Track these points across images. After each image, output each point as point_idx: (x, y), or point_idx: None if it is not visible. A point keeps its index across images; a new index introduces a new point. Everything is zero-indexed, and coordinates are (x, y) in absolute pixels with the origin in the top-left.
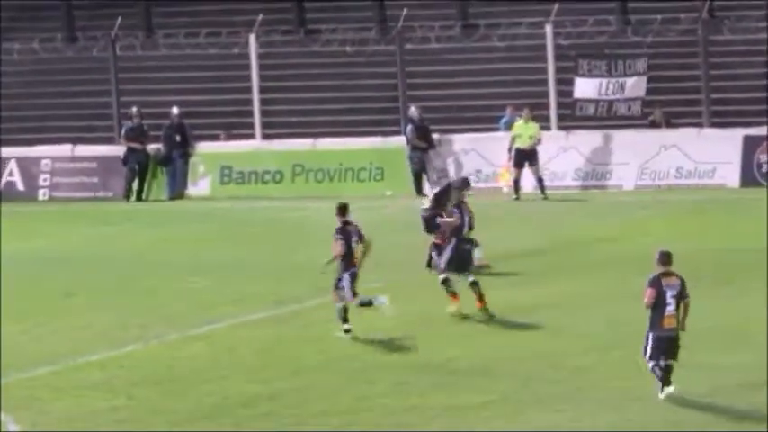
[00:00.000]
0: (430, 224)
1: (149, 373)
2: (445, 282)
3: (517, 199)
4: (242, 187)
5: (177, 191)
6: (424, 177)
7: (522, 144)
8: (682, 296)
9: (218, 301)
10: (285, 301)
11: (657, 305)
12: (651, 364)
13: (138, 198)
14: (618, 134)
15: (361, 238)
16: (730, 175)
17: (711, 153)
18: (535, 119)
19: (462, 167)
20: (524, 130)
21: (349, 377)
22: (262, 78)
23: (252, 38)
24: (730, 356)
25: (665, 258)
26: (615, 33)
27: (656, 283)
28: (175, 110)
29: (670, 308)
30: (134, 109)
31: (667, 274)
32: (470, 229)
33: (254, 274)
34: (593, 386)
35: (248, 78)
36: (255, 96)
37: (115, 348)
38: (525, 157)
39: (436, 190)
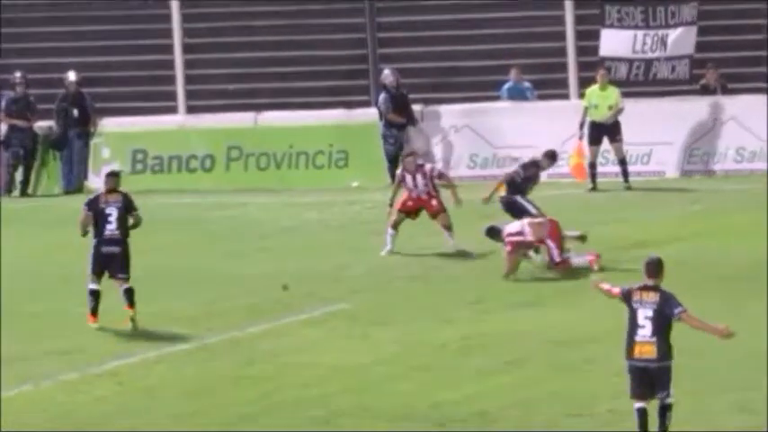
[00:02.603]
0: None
1: (42, 422)
2: None
3: (594, 189)
4: (160, 177)
5: (75, 182)
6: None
7: (600, 116)
8: (664, 315)
9: (127, 329)
10: (217, 328)
11: (629, 326)
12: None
13: (23, 192)
14: (658, 104)
15: None
16: None
17: None
18: (613, 82)
19: (453, 149)
20: (602, 98)
21: (305, 428)
22: (186, 33)
23: None
24: None
25: (651, 268)
26: None
27: (625, 297)
28: (72, 75)
29: (642, 332)
30: (17, 75)
31: (647, 288)
32: None
33: (175, 292)
34: None
35: (168, 33)
36: (178, 57)
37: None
38: (604, 132)
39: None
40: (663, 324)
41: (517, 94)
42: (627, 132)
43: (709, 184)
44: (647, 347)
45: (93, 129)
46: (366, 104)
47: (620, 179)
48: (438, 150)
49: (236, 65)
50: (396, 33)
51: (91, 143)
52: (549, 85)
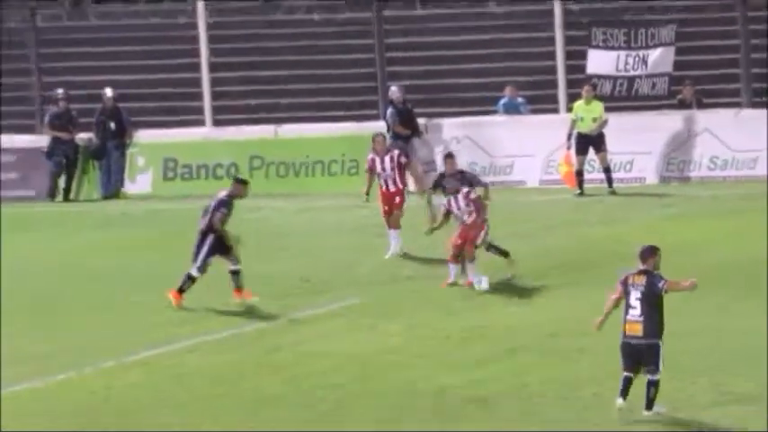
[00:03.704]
0: None
1: (81, 406)
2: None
3: (581, 194)
4: (189, 183)
5: (112, 188)
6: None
7: (585, 128)
8: (652, 294)
9: (162, 321)
10: (246, 320)
11: (624, 308)
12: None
13: (66, 197)
14: (640, 117)
15: None
16: None
17: (752, 139)
18: (598, 97)
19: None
20: (586, 111)
21: (322, 412)
22: (213, 53)
23: (200, 5)
24: None
25: (643, 254)
26: None
27: (623, 285)
28: (109, 92)
29: (633, 312)
30: (60, 91)
31: (639, 272)
32: None
33: (205, 289)
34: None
35: (197, 53)
36: (205, 75)
37: (41, 377)
38: (590, 143)
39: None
40: (652, 303)
41: (512, 109)
42: (611, 143)
43: (685, 190)
44: (635, 326)
45: (128, 140)
46: (375, 118)
47: (605, 185)
48: (440, 159)
49: (258, 82)
50: (402, 53)
51: (127, 153)
52: (541, 101)
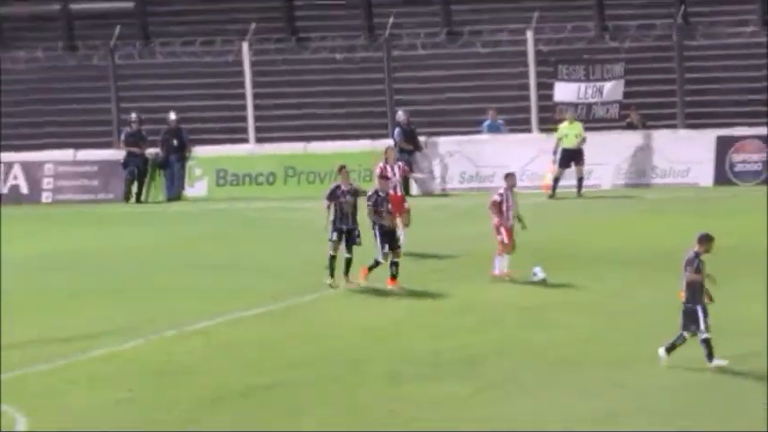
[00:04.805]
0: None
1: (151, 367)
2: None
3: (552, 197)
4: (237, 189)
5: (175, 192)
6: (411, 179)
7: (569, 144)
8: (685, 271)
9: (214, 299)
10: (280, 298)
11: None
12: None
13: (138, 200)
14: (596, 136)
15: None
16: (703, 174)
17: (685, 153)
18: (578, 119)
19: (448, 168)
20: (569, 129)
21: (341, 369)
22: (255, 84)
23: (245, 46)
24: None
25: (697, 239)
26: (593, 39)
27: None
28: (172, 115)
29: (682, 284)
30: (133, 115)
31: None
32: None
33: (249, 272)
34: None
35: (242, 85)
36: (249, 102)
37: (119, 343)
38: (572, 157)
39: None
40: (686, 278)
41: (494, 129)
42: None
43: (633, 193)
44: (681, 293)
45: (188, 154)
46: (385, 136)
47: (575, 191)
48: (437, 169)
49: (291, 108)
50: (406, 85)
51: (186, 164)
52: (517, 123)
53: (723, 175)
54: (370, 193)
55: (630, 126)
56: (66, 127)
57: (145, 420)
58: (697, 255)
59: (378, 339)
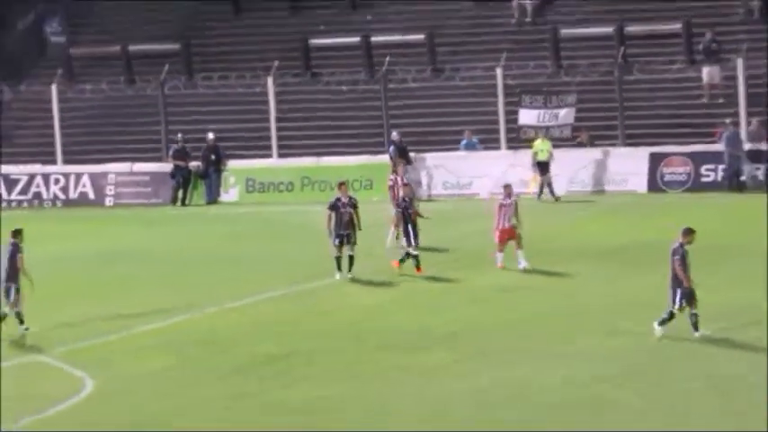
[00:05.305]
0: None
1: (195, 338)
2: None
3: (539, 199)
4: (263, 195)
5: (213, 198)
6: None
7: (543, 157)
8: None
9: (246, 282)
10: (299, 282)
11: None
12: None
13: (183, 204)
14: (553, 152)
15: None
16: (639, 183)
17: (625, 166)
18: (548, 137)
19: (433, 178)
20: (542, 146)
21: (346, 341)
22: (277, 111)
23: (270, 80)
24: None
25: (681, 232)
26: (551, 75)
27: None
28: (211, 135)
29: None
30: (179, 135)
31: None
32: None
33: (272, 262)
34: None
35: (267, 111)
36: (273, 124)
37: (167, 319)
38: (546, 167)
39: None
40: (673, 263)
41: (470, 147)
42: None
43: (587, 198)
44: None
45: (223, 166)
46: (382, 152)
47: (546, 196)
48: (424, 179)
49: (307, 129)
50: (400, 111)
51: (222, 175)
52: (489, 141)
53: (655, 184)
54: (398, 201)
55: (581, 144)
56: (124, 144)
57: (190, 383)
58: (681, 245)
59: (375, 316)
